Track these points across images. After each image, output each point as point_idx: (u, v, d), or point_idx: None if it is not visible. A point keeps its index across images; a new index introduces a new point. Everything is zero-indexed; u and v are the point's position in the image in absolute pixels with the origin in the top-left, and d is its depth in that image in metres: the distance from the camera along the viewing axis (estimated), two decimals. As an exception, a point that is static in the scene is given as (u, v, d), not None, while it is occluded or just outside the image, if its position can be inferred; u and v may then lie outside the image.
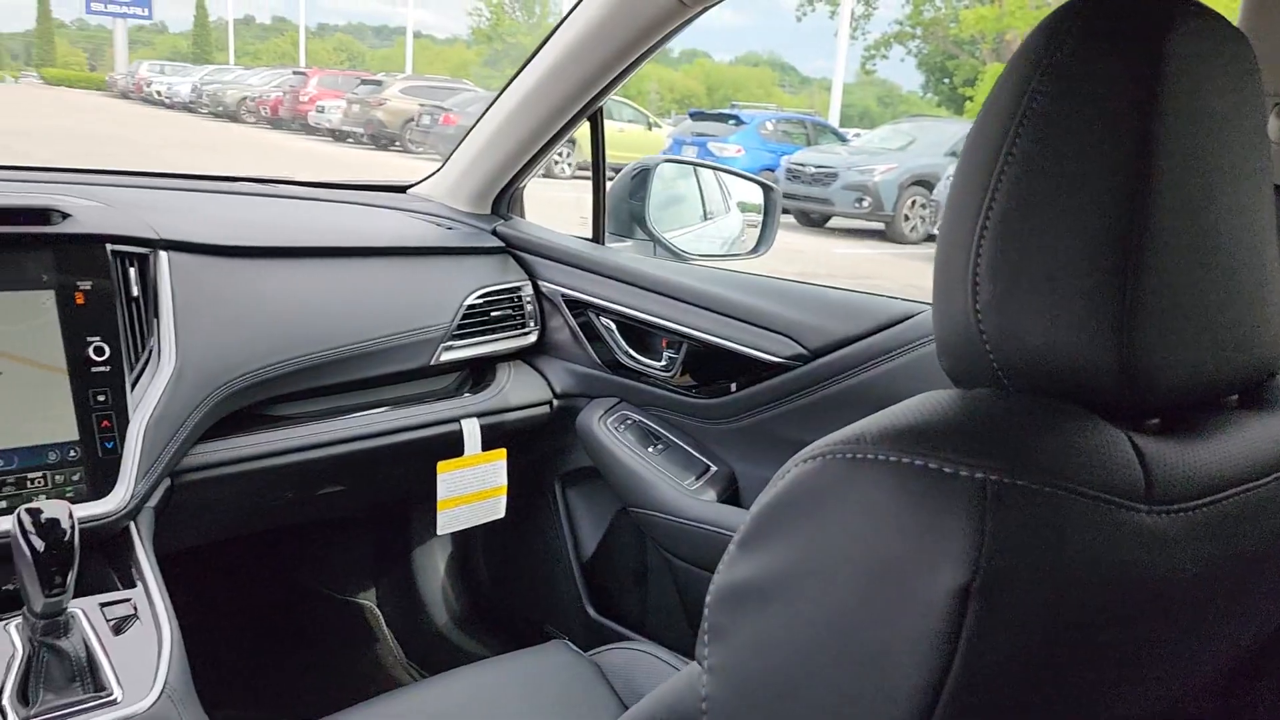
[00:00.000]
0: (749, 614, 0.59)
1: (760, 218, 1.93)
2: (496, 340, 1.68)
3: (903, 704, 0.52)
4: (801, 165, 12.59)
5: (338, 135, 20.95)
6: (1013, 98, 0.59)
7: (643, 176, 1.79)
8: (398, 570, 1.99)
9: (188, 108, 27.78)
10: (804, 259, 9.53)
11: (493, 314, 1.67)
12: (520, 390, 1.68)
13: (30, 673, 1.00)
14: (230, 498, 1.42)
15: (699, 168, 2.03)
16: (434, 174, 1.89)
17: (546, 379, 1.73)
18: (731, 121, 15.01)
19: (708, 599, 0.63)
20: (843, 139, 15.79)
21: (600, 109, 1.64)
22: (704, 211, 2.15)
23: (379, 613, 2.02)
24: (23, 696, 1.00)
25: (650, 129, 17.06)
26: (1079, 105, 0.56)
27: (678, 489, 1.52)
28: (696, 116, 15.95)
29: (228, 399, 1.32)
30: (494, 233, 1.77)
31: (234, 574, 1.93)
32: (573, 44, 1.49)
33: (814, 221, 12.71)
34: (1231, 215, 0.60)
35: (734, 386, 1.53)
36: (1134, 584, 0.55)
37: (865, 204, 11.88)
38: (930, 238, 11.70)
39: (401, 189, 1.91)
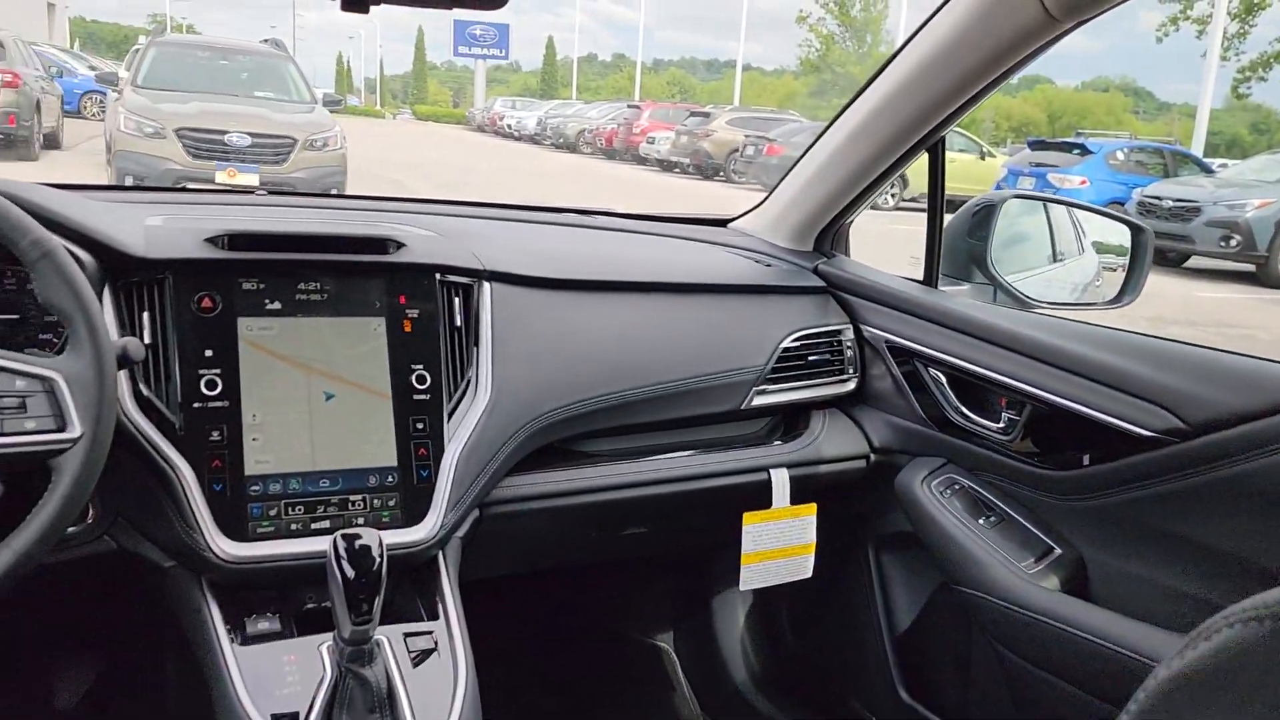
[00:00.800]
0: None
1: (1120, 260, 1.68)
2: (812, 386, 1.57)
3: None
4: (1158, 199, 11.44)
5: (665, 165, 21.76)
6: None
7: (986, 213, 1.61)
8: (697, 617, 1.92)
9: (533, 140, 30.06)
10: (1159, 301, 8.59)
11: (810, 358, 1.56)
12: (835, 441, 1.56)
13: (335, 699, 1.01)
14: (535, 532, 1.41)
15: (1050, 204, 1.81)
16: (756, 208, 1.82)
17: (864, 431, 1.59)
18: (1076, 151, 13.96)
19: None
20: (1207, 170, 14.20)
21: (942, 140, 1.48)
22: (1053, 253, 1.92)
23: (675, 658, 1.96)
24: None
25: (983, 158, 16.23)
26: None
27: (1013, 570, 1.33)
28: (1036, 146, 14.97)
29: (538, 433, 1.31)
30: (815, 271, 1.66)
31: (530, 605, 1.95)
32: (915, 69, 1.36)
33: (1170, 261, 11.49)
34: None
35: (1087, 459, 1.32)
36: None
37: (1233, 243, 10.57)
38: (1315, 283, 10.23)
39: (722, 223, 1.85)
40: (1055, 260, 1.92)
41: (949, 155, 1.55)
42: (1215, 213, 10.77)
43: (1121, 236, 1.70)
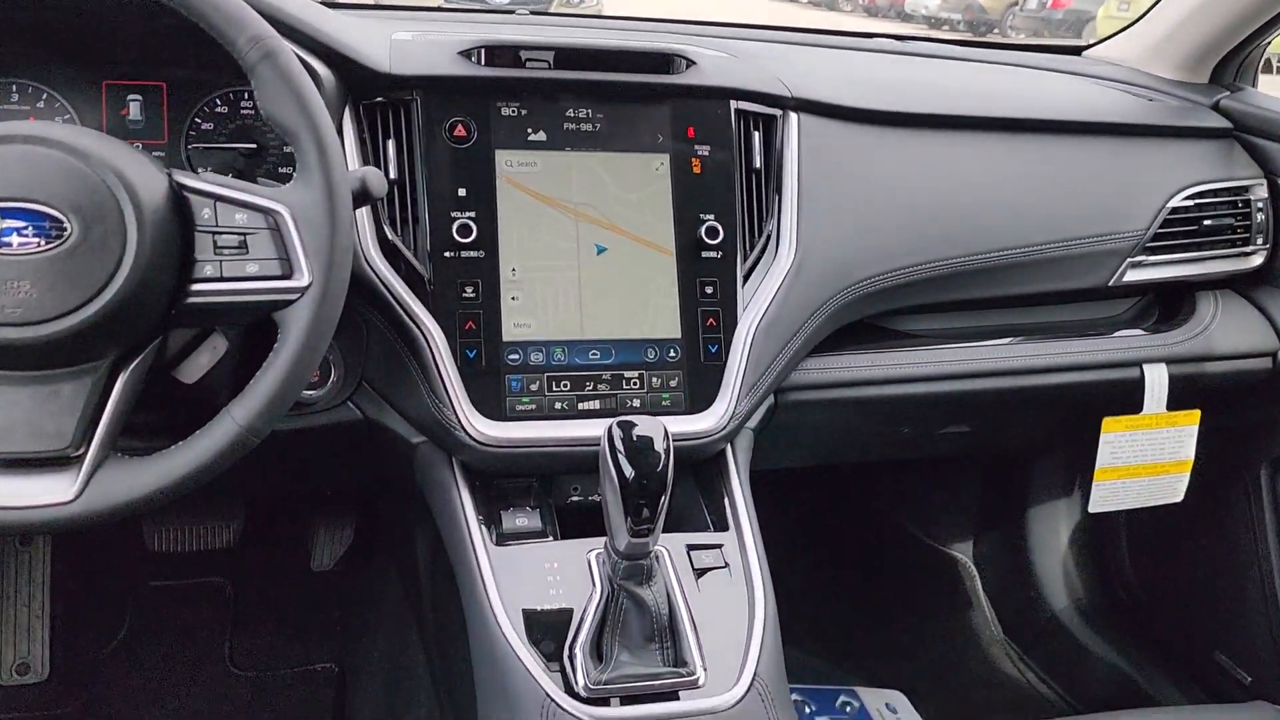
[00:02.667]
0: None
1: None
2: (1204, 260, 1.22)
3: None
4: None
5: (933, 22, 20.22)
6: None
7: None
8: (1006, 531, 1.64)
9: (792, -1, 28.75)
10: None
11: (1206, 223, 1.20)
12: (1231, 332, 1.22)
13: (605, 622, 0.82)
14: (836, 425, 1.18)
15: None
16: (1122, 31, 1.43)
17: (1272, 321, 1.22)
18: None
19: None
20: None
21: None
22: None
23: (975, 572, 1.68)
24: (597, 649, 0.82)
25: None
26: None
27: None
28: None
29: (849, 305, 1.06)
30: (1216, 108, 1.28)
31: (816, 496, 1.72)
32: None
33: None
34: None
35: None
36: None
37: None
38: None
39: (1075, 50, 1.47)
40: None
41: None
42: None
43: None
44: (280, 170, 1.00)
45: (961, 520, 1.71)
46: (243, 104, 0.99)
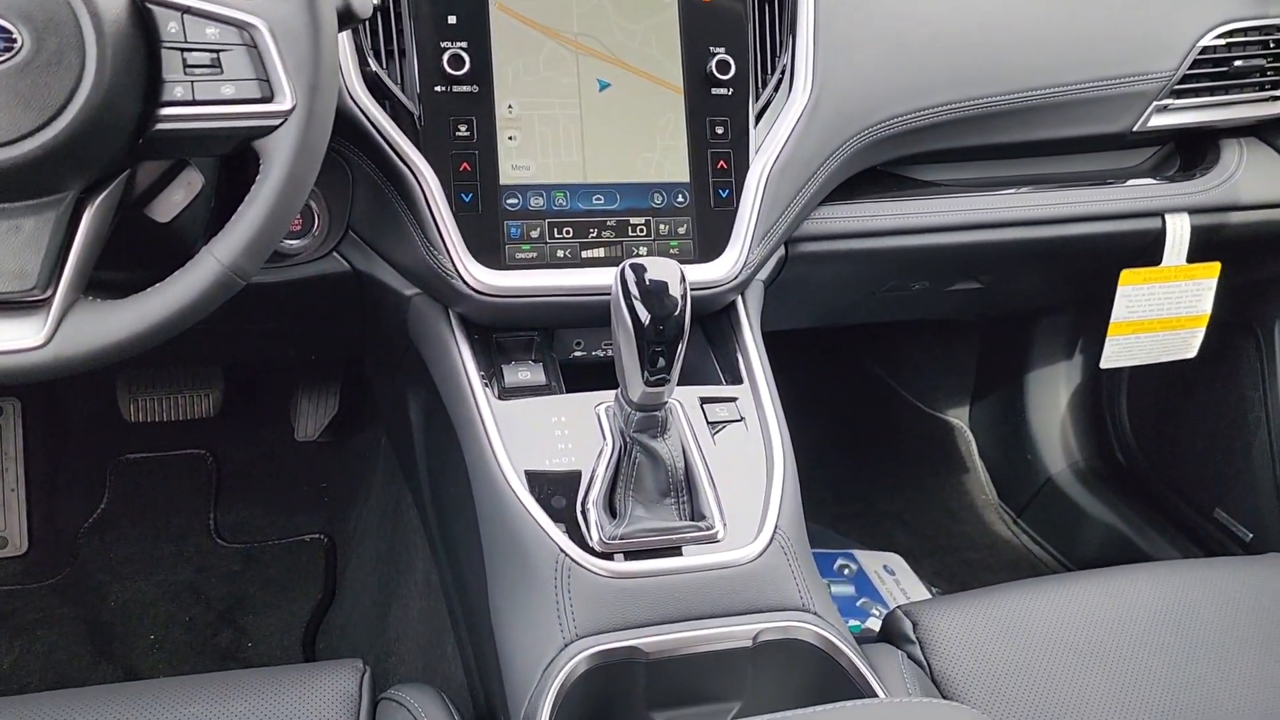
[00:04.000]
0: None
1: None
2: (1233, 104, 1.16)
3: None
4: None
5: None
6: None
7: None
8: (1003, 394, 1.62)
9: None
10: None
11: (1236, 63, 1.14)
12: (1257, 181, 1.17)
13: (619, 475, 0.78)
14: (845, 279, 1.13)
15: None
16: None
17: None
18: None
19: None
20: None
21: None
22: None
23: (970, 437, 1.67)
24: (609, 505, 0.79)
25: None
26: None
27: None
28: None
29: (866, 149, 1.00)
30: None
31: (810, 363, 1.69)
32: None
33: None
34: None
35: None
36: None
37: None
38: None
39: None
40: None
41: None
42: None
43: None
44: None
45: (958, 386, 1.69)
46: None
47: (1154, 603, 0.88)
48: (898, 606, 0.89)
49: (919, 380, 1.72)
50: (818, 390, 1.74)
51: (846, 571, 1.44)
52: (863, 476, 1.68)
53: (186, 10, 0.66)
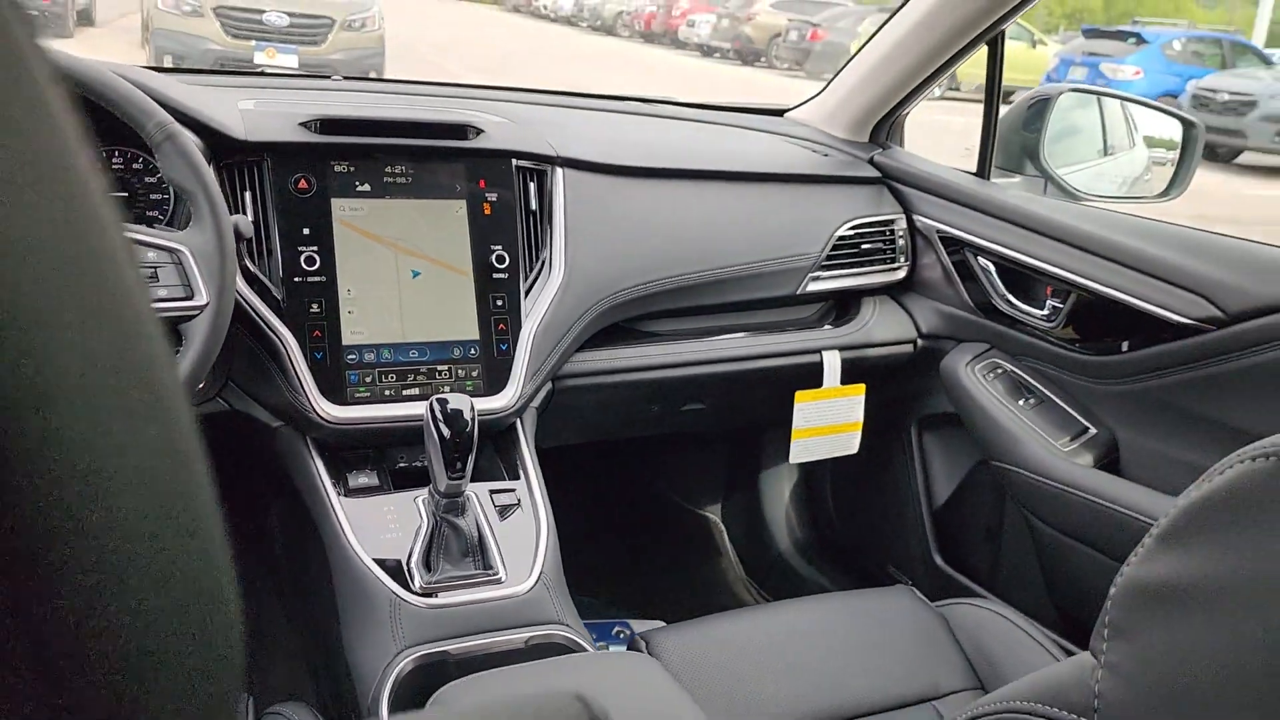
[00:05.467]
0: (1162, 616, 0.54)
1: (1170, 155, 1.72)
2: (865, 274, 1.64)
3: None
4: (1212, 92, 11.12)
5: (705, 50, 21.26)
6: None
7: (1041, 107, 1.64)
8: (745, 491, 2.04)
9: (570, 21, 29.36)
10: (1205, 199, 8.46)
11: (863, 246, 1.63)
12: (884, 326, 1.64)
13: (433, 543, 1.13)
14: (602, 405, 1.51)
15: (1104, 97, 1.83)
16: (813, 98, 1.85)
17: (913, 317, 1.66)
18: (1131, 40, 13.49)
19: (1112, 591, 0.57)
20: (1267, 62, 13.70)
21: (1002, 34, 1.51)
22: (1104, 146, 1.94)
23: (723, 528, 2.08)
24: (426, 562, 1.13)
25: (1034, 46, 15.74)
26: None
27: (1049, 448, 1.42)
28: (1090, 34, 14.48)
29: (607, 311, 1.39)
30: (871, 162, 1.71)
31: (596, 472, 2.07)
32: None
33: (1220, 156, 11.22)
34: None
35: (1126, 345, 1.39)
36: None
37: (1291, 138, 10.31)
38: (1370, 181, 9.97)
39: (779, 113, 1.89)
40: (1106, 153, 1.94)
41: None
42: (1272, 107, 10.47)
43: (1173, 131, 1.73)
44: (148, 214, 1.25)
45: (712, 486, 2.11)
46: (114, 160, 1.23)
47: (815, 619, 1.27)
48: (637, 634, 1.25)
49: (681, 483, 2.13)
50: (603, 492, 2.12)
51: (621, 635, 1.79)
52: (639, 561, 2.05)
53: (139, 242, 1.01)
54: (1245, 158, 11.21)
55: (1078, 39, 14.16)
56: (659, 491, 2.15)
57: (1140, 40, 13.39)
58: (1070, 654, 1.17)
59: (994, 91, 1.59)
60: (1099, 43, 13.73)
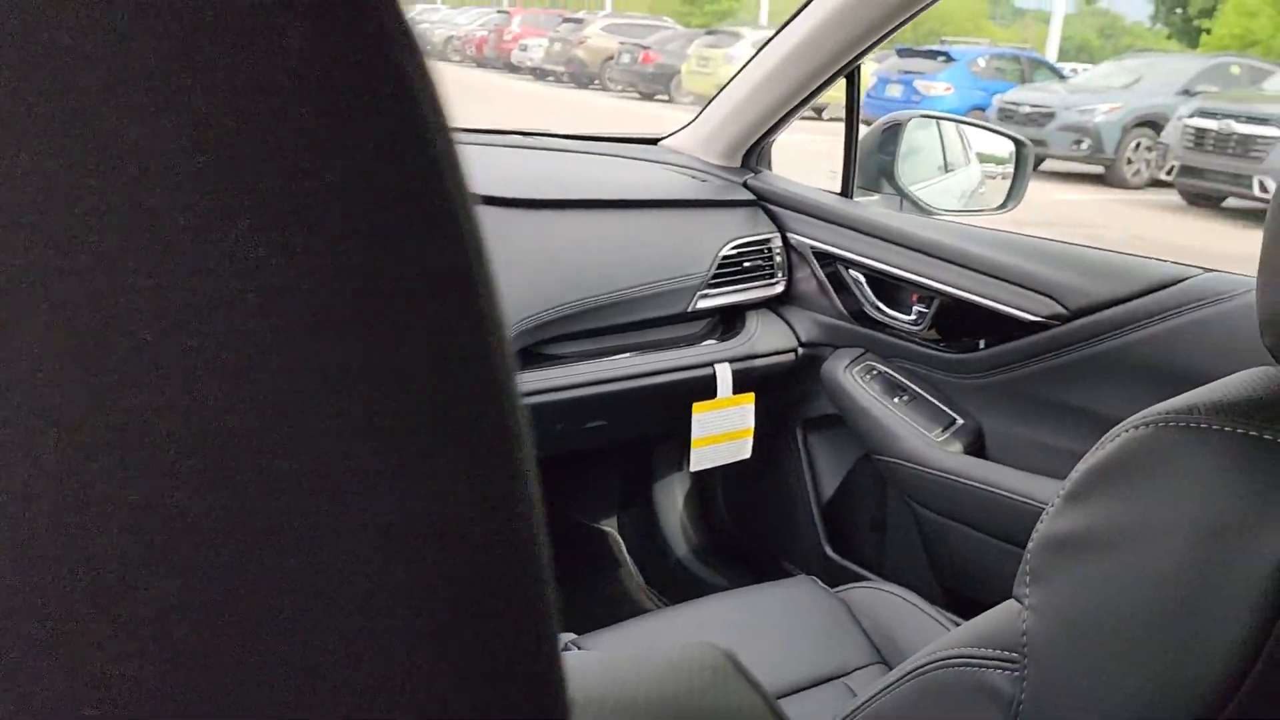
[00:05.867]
0: (1071, 561, 0.66)
1: (999, 168, 1.92)
2: (747, 290, 1.76)
3: (1217, 662, 0.57)
4: (1015, 105, 12.00)
5: (539, 73, 21.44)
6: None
7: (893, 131, 1.81)
8: (640, 502, 2.13)
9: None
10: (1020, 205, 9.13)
11: (745, 264, 1.75)
12: (768, 338, 1.77)
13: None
14: None
15: (942, 121, 2.02)
16: (685, 127, 1.98)
17: (793, 328, 1.80)
18: (941, 58, 14.43)
19: (1030, 545, 0.69)
20: (1061, 76, 14.90)
21: (858, 68, 1.67)
22: (944, 163, 2.15)
23: (620, 540, 2.17)
24: None
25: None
26: None
27: (923, 439, 1.57)
28: (904, 53, 15.41)
29: (514, 338, 1.46)
30: (745, 185, 1.84)
31: None
32: (838, 7, 1.53)
33: (1026, 164, 12.08)
34: None
35: (983, 343, 1.56)
36: None
37: (1084, 146, 11.23)
38: (1156, 183, 10.96)
39: (653, 141, 2.00)
40: (946, 170, 2.15)
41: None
42: (1068, 118, 11.38)
43: (1003, 148, 1.94)
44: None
45: (607, 501, 2.20)
46: None
47: (724, 613, 1.37)
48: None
49: (578, 498, 2.20)
50: None
51: (537, 649, 1.85)
52: None
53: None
54: (1048, 165, 12.16)
55: (893, 58, 15.04)
56: (558, 509, 2.22)
57: (949, 58, 14.34)
58: (957, 624, 1.32)
59: (853, 118, 1.75)
60: (912, 61, 14.61)
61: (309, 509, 0.19)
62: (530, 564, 0.24)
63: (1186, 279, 1.35)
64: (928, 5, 1.48)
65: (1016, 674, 0.67)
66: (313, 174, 0.19)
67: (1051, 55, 18.90)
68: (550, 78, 20.98)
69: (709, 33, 18.61)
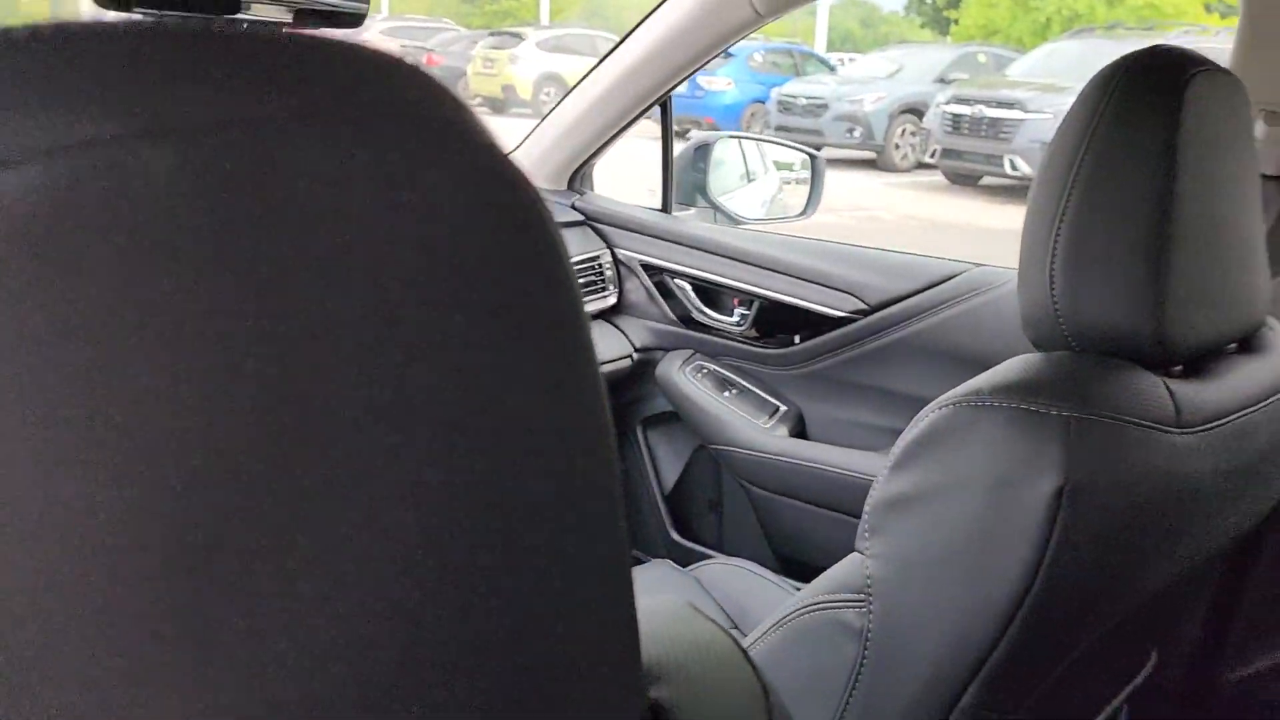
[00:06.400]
0: (900, 516, 0.85)
1: (793, 175, 2.17)
2: (584, 303, 1.91)
3: (1010, 580, 0.77)
4: (793, 97, 12.70)
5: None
6: (1077, 135, 0.83)
7: (704, 150, 2.01)
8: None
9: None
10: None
11: (580, 280, 1.90)
12: (604, 346, 1.92)
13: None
14: None
15: (744, 140, 2.25)
16: (511, 153, 2.10)
17: (627, 336, 1.97)
18: (720, 54, 15.01)
19: (866, 507, 0.88)
20: (830, 67, 15.84)
21: (670, 97, 1.85)
22: (746, 172, 2.37)
23: None
24: None
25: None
26: (1123, 143, 0.80)
27: (753, 427, 1.77)
28: (684, 50, 15.91)
29: None
30: (572, 206, 1.99)
31: None
32: (653, 46, 1.70)
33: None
34: (1228, 212, 0.85)
35: (798, 339, 1.78)
36: (1170, 486, 0.80)
37: (856, 134, 12.03)
38: (921, 165, 11.88)
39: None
40: (748, 180, 2.37)
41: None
42: (840, 108, 12.16)
43: (794, 157, 2.18)
44: None
45: None
46: None
47: None
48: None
49: None
50: None
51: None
52: None
53: None
54: (827, 153, 12.89)
55: (675, 55, 15.45)
56: None
57: (728, 54, 14.95)
58: (797, 587, 1.52)
59: (667, 141, 1.93)
60: (693, 58, 15.12)
61: (567, 530, 0.31)
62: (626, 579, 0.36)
63: (962, 273, 1.60)
64: (736, 40, 1.67)
65: (865, 609, 0.85)
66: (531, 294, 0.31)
67: (820, 47, 20.06)
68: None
69: (493, 34, 18.62)
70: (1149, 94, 0.80)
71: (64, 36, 0.24)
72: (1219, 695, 1.31)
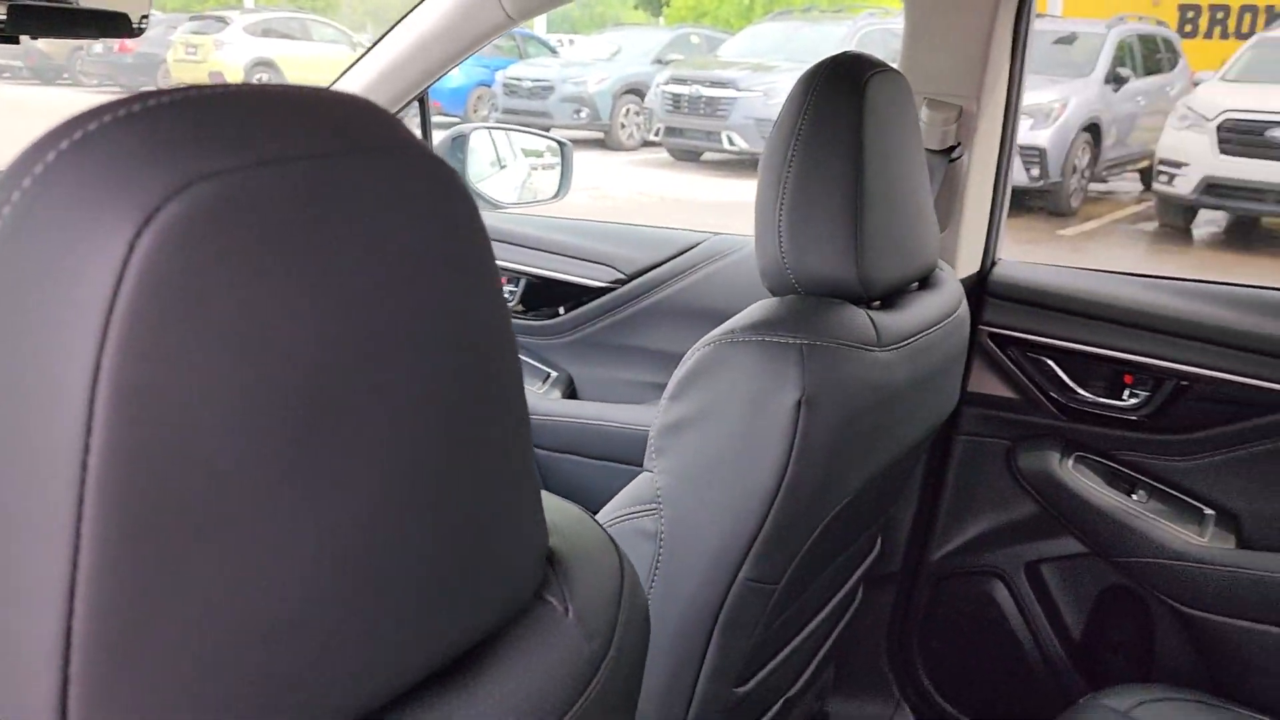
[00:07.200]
0: (679, 437, 1.05)
1: (540, 161, 2.36)
2: None
3: (766, 476, 1.00)
4: (518, 80, 12.86)
5: (-4, 71, 18.76)
6: (789, 128, 1.06)
7: (461, 141, 2.15)
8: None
9: None
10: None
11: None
12: None
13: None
14: None
15: (494, 130, 2.40)
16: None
17: None
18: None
19: (651, 433, 1.07)
20: (551, 49, 16.11)
21: (427, 93, 1.98)
22: (497, 159, 2.53)
23: None
24: None
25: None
26: (823, 132, 1.04)
27: (531, 394, 1.95)
28: (403, 34, 15.66)
29: None
30: None
31: None
32: (408, 49, 1.82)
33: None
34: (904, 181, 1.11)
35: (562, 310, 1.96)
36: (878, 392, 1.05)
37: (583, 115, 12.37)
38: (647, 143, 12.39)
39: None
40: (500, 167, 2.53)
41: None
42: (566, 90, 12.45)
43: (542, 144, 2.37)
44: None
45: None
46: None
47: None
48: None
49: None
50: None
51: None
52: None
53: None
54: (556, 134, 13.15)
55: (394, 39, 15.16)
56: None
57: (449, 38, 14.85)
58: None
59: (426, 134, 2.05)
60: (414, 42, 14.92)
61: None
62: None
63: (703, 242, 1.84)
64: (489, 41, 1.82)
65: (657, 515, 1.05)
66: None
67: (541, 29, 20.30)
68: (7, 74, 18.46)
69: (193, 18, 17.49)
70: (839, 93, 1.05)
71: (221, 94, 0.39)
72: (927, 571, 1.64)
